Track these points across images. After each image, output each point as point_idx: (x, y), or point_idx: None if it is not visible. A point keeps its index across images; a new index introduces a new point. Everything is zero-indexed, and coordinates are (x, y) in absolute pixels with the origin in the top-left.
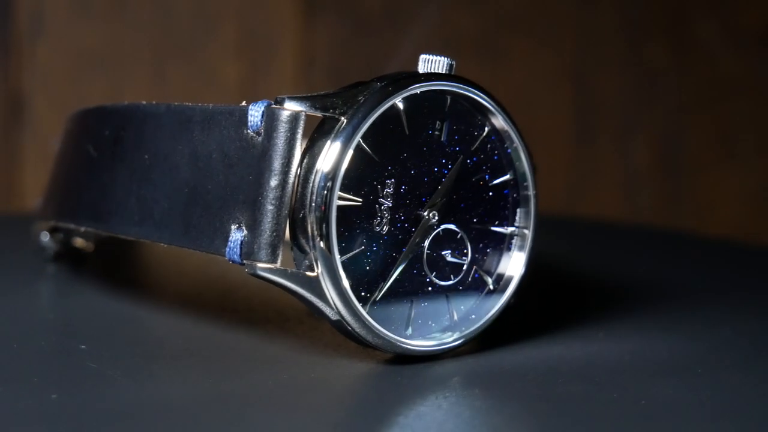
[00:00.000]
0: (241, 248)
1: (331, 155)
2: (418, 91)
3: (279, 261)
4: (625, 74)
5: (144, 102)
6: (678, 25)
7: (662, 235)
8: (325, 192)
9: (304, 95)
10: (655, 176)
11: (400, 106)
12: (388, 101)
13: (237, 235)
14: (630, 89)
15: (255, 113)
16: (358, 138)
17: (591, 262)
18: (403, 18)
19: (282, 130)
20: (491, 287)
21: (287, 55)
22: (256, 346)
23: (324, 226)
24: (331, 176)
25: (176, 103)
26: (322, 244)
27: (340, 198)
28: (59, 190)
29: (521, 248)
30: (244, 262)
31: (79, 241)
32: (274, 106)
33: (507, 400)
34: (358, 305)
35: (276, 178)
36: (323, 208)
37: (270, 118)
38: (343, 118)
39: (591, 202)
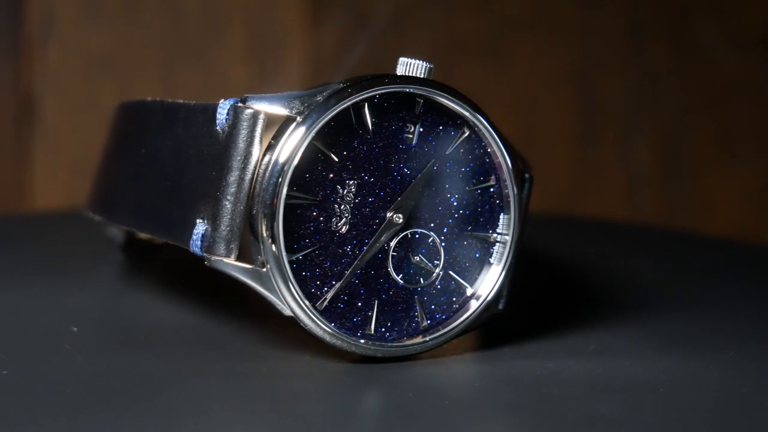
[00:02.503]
0: (202, 241)
1: (284, 153)
2: (380, 93)
3: (234, 255)
4: (627, 76)
5: (149, 98)
6: (679, 28)
7: (664, 235)
8: (273, 189)
9: (267, 95)
10: (657, 177)
11: (365, 107)
12: (345, 102)
13: (200, 229)
14: (632, 91)
15: (222, 111)
16: (309, 137)
17: (593, 263)
18: (409, 20)
19: (242, 127)
20: (468, 294)
21: (295, 57)
22: (240, 339)
23: (272, 222)
24: (279, 173)
25: (169, 100)
26: (269, 239)
27: (294, 196)
28: (91, 182)
29: (502, 255)
30: (205, 255)
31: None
32: (239, 104)
33: (431, 407)
34: (307, 303)
35: (233, 174)
36: (273, 202)
37: (234, 115)
38: (299, 117)
39: (593, 203)
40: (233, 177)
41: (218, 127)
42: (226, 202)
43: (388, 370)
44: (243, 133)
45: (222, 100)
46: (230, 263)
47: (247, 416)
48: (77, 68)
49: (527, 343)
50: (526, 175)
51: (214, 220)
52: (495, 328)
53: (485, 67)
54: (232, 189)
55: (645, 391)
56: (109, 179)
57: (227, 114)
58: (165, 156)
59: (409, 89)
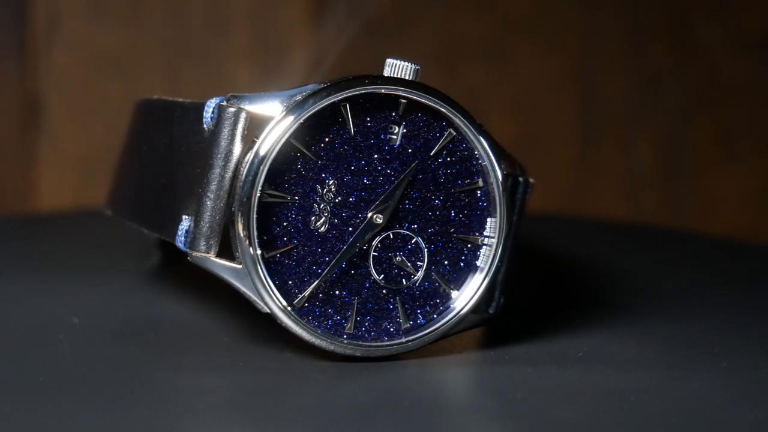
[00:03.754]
0: (186, 237)
1: (260, 152)
2: (359, 93)
3: (214, 251)
4: (628, 77)
5: (155, 96)
6: (680, 29)
7: (664, 235)
8: (249, 186)
9: (250, 94)
10: (658, 177)
11: (346, 107)
12: (323, 102)
13: (185, 224)
14: (633, 91)
15: (208, 109)
16: (286, 136)
17: (594, 263)
18: (412, 20)
19: (224, 126)
20: (452, 297)
21: (299, 57)
22: (233, 335)
23: (248, 219)
24: (255, 171)
25: (169, 99)
26: (245, 236)
27: (271, 195)
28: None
29: (488, 259)
30: (187, 250)
31: None
32: (223, 103)
33: (387, 408)
34: (282, 300)
35: (214, 171)
36: (247, 200)
37: (218, 114)
38: (277, 116)
39: (595, 202)
40: (214, 174)
41: (204, 125)
42: (206, 199)
43: (362, 370)
44: (225, 131)
45: (209, 99)
46: (210, 259)
47: (198, 408)
48: (83, 69)
49: (517, 347)
50: (520, 179)
51: (196, 217)
52: (488, 331)
53: (488, 68)
54: (212, 186)
55: (614, 399)
56: (120, 175)
57: (212, 112)
58: (162, 153)
59: (388, 90)
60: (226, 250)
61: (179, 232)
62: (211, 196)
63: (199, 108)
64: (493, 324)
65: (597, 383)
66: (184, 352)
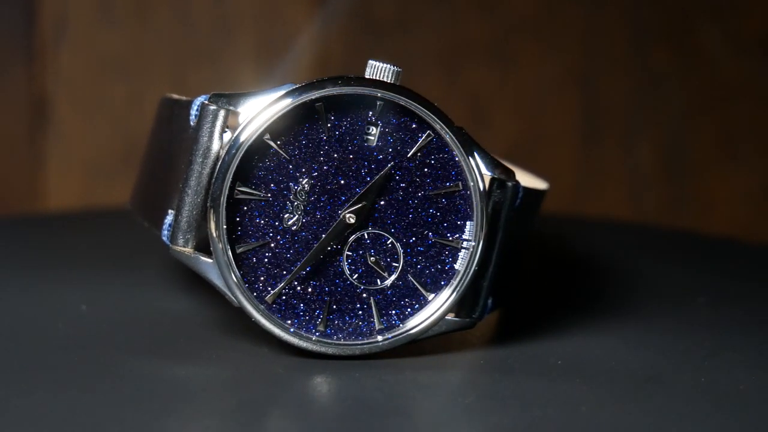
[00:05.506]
0: (169, 231)
1: (231, 148)
2: (333, 93)
3: (191, 246)
4: (630, 78)
5: (166, 95)
6: (681, 32)
7: (665, 234)
8: (218, 182)
9: (229, 93)
10: (659, 177)
11: (321, 106)
12: (296, 101)
13: (168, 219)
14: (635, 93)
15: (193, 107)
16: (257, 134)
17: (595, 263)
18: (415, 22)
19: (204, 123)
20: (428, 299)
21: (303, 58)
22: (228, 329)
23: (217, 215)
24: (225, 168)
25: (174, 97)
26: (215, 231)
27: (243, 192)
28: None
29: (466, 263)
30: (169, 244)
31: None
32: (206, 101)
33: (329, 406)
34: (252, 296)
35: (194, 167)
36: (218, 196)
37: (201, 112)
38: (251, 115)
39: (596, 202)
40: (193, 170)
41: (190, 123)
42: (185, 195)
43: (327, 367)
44: (204, 129)
45: (196, 98)
46: (186, 254)
47: (142, 395)
48: (89, 70)
49: (499, 350)
50: (508, 183)
51: (177, 212)
52: (478, 333)
53: (490, 69)
54: (191, 182)
55: (564, 409)
56: (138, 172)
57: (196, 110)
58: (162, 149)
59: (363, 91)
60: (207, 244)
61: (164, 226)
62: (190, 191)
63: (189, 106)
64: (484, 327)
65: (556, 392)
66: (167, 342)
